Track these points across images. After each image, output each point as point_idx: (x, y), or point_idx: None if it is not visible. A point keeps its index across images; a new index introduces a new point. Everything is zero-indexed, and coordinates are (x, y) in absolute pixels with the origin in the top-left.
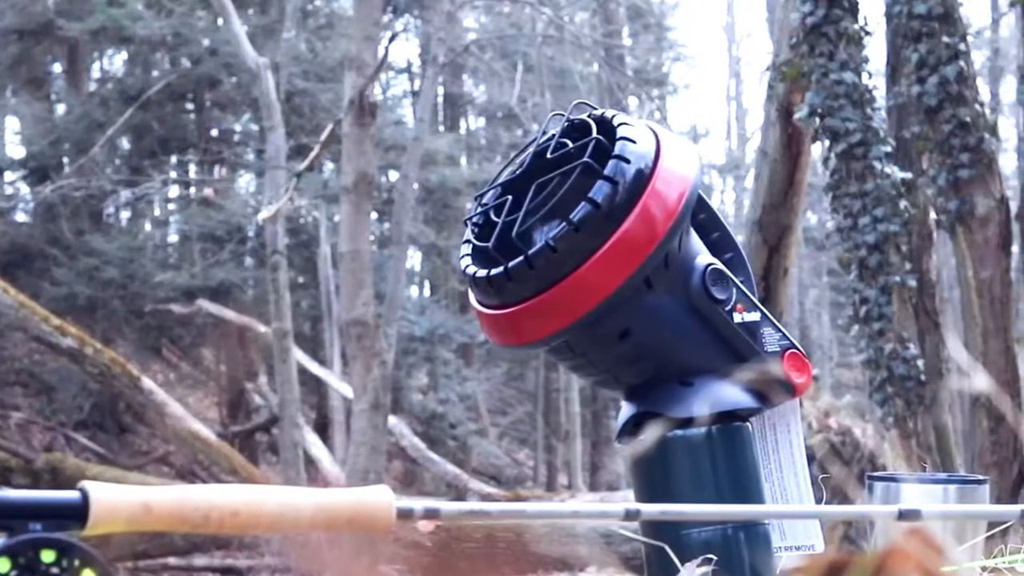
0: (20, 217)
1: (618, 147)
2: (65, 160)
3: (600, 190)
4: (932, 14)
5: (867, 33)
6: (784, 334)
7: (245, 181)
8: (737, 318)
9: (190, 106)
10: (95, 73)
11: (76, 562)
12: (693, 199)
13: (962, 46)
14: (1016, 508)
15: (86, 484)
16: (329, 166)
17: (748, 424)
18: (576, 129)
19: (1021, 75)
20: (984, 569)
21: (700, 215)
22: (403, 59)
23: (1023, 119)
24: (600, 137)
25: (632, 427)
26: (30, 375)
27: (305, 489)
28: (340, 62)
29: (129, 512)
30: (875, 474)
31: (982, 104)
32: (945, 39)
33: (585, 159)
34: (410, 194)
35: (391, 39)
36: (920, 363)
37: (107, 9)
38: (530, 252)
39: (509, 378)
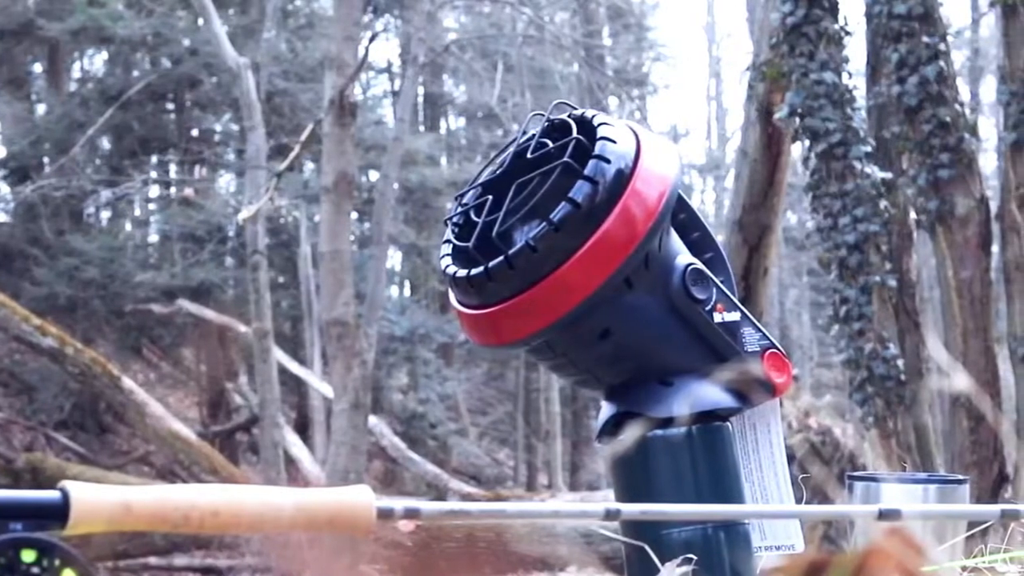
0: (0, 217)
1: (598, 147)
2: (45, 160)
3: (580, 190)
4: (912, 14)
5: (847, 33)
6: (764, 334)
7: (225, 181)
8: (717, 318)
9: (170, 106)
10: (75, 73)
11: (56, 562)
12: (673, 199)
13: (942, 46)
14: (996, 508)
15: (66, 484)
16: (309, 166)
17: (728, 424)
18: (556, 129)
19: (1001, 75)
20: (964, 569)
21: (680, 215)
22: (383, 59)
23: (1003, 119)
24: (580, 137)
25: (612, 427)
26: (10, 375)
27: (285, 489)
28: (320, 62)
29: (109, 512)
30: (855, 474)
31: (962, 104)
32: (925, 39)
33: (565, 159)
34: (390, 194)
35: (371, 39)
36: (900, 363)
37: (87, 9)
38: (510, 252)
39: (489, 378)
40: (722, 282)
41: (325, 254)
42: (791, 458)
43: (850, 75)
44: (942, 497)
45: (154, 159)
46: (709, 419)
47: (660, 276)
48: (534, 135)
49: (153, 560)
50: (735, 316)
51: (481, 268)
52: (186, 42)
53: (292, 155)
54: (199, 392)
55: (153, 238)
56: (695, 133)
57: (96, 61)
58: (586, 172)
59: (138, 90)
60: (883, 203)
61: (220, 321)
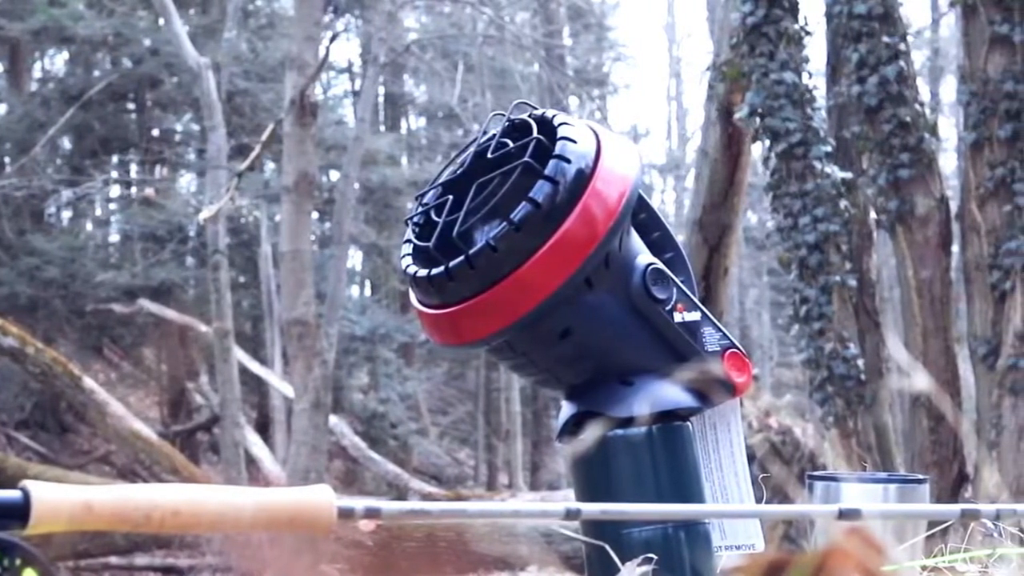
0: None
1: (559, 147)
2: (6, 160)
3: (541, 190)
4: (872, 14)
5: (807, 33)
6: (724, 334)
7: (186, 181)
8: (677, 317)
9: (131, 106)
10: (36, 73)
11: (18, 561)
12: (633, 199)
13: (902, 46)
14: (956, 508)
15: (27, 483)
16: (270, 166)
17: (688, 423)
18: (517, 129)
19: (961, 75)
20: (924, 568)
21: (640, 215)
22: (344, 59)
23: (963, 119)
24: (541, 137)
25: (573, 426)
26: None
27: (246, 488)
28: (281, 62)
29: (71, 511)
30: (815, 473)
31: (922, 104)
32: (885, 39)
33: (526, 159)
34: (351, 194)
35: (332, 39)
36: (860, 362)
37: (48, 9)
38: (471, 252)
39: (450, 377)
40: (682, 282)
41: (286, 254)
42: (751, 458)
43: (810, 75)
44: (902, 497)
45: (115, 159)
46: (669, 419)
47: (620, 276)
48: (495, 135)
49: (114, 559)
50: (695, 316)
51: (442, 268)
52: (147, 42)
53: (253, 155)
54: (160, 392)
55: (114, 238)
56: (655, 133)
57: (57, 61)
58: (546, 172)
59: (99, 90)
60: (843, 203)
61: (181, 321)
